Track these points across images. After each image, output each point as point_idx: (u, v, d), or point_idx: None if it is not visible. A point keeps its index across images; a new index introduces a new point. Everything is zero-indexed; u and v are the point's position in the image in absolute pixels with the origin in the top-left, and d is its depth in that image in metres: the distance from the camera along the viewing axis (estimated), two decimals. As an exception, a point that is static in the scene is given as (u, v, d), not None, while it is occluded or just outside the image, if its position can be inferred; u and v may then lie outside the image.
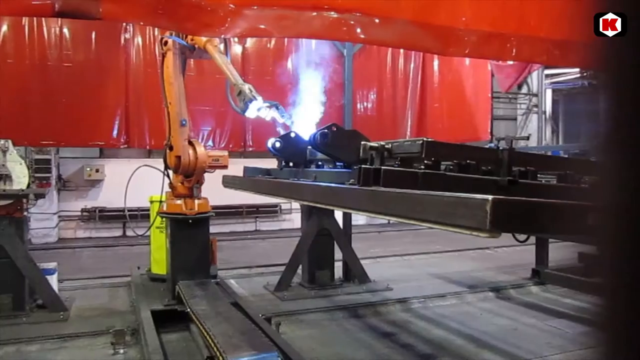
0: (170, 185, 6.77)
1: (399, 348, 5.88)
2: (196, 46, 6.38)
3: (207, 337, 4.61)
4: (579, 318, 6.63)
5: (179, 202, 6.61)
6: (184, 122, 6.47)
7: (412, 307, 7.32)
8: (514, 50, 2.00)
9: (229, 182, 6.05)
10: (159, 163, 6.90)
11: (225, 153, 6.90)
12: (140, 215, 12.62)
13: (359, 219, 12.79)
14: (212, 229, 7.03)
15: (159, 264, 7.71)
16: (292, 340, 5.53)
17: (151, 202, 8.06)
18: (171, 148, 6.53)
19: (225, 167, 6.81)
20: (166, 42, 6.50)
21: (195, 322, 5.25)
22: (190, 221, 6.55)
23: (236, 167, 6.62)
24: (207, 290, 6.20)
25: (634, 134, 0.67)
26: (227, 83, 5.74)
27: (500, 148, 3.47)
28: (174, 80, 6.49)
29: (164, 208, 6.76)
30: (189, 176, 6.55)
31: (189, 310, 5.55)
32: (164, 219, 6.98)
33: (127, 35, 8.57)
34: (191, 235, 6.62)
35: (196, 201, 6.63)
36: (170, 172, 6.72)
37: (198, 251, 6.70)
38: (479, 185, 2.90)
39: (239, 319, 5.18)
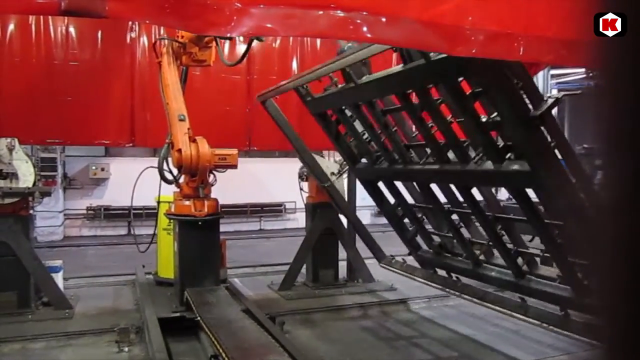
0: (178, 185, 6.62)
1: (403, 348, 5.88)
2: (187, 41, 6.73)
3: (220, 350, 4.37)
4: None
5: (187, 203, 6.33)
6: (181, 117, 6.38)
7: (416, 307, 7.31)
8: (521, 50, 2.00)
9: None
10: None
11: (235, 151, 6.59)
12: (145, 214, 12.68)
13: (363, 218, 12.77)
14: (217, 228, 6.99)
15: (166, 267, 7.47)
16: (295, 340, 5.54)
17: (158, 202, 7.74)
18: (173, 146, 6.38)
19: (234, 166, 6.53)
20: (161, 53, 6.81)
21: (206, 331, 4.98)
22: (199, 223, 6.27)
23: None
24: (218, 297, 5.91)
25: (634, 134, 0.67)
26: None
27: None
28: (169, 82, 6.60)
29: (172, 209, 6.50)
30: (193, 175, 6.33)
31: (199, 318, 5.30)
32: (171, 221, 6.76)
33: (133, 34, 8.59)
34: (200, 237, 6.31)
35: (205, 202, 6.35)
36: (175, 170, 6.57)
37: (208, 254, 6.39)
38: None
39: (253, 329, 4.92)
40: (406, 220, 6.21)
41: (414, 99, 4.55)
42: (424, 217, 5.91)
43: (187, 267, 6.32)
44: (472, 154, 4.31)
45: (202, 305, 5.57)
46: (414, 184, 5.78)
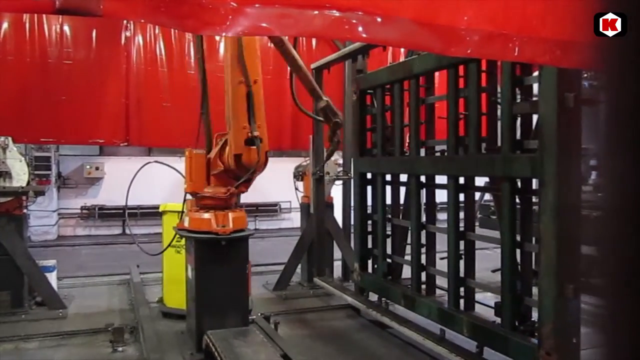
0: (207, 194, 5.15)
1: (398, 347, 5.88)
2: None
3: None
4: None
5: (207, 215, 4.93)
6: None
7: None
8: (516, 50, 2.00)
9: None
10: (163, 161, 6.80)
11: None
12: (140, 213, 12.65)
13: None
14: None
15: (175, 293, 6.21)
16: (290, 339, 5.53)
17: (163, 212, 6.58)
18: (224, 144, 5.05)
19: None
20: None
21: None
22: (223, 243, 4.90)
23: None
24: (251, 345, 4.56)
25: (634, 134, 0.67)
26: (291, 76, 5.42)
27: None
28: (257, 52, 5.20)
29: (186, 224, 5.11)
30: (246, 179, 5.04)
31: None
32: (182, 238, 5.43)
33: (128, 33, 8.57)
34: (224, 261, 4.96)
35: (230, 215, 4.99)
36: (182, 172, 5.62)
37: (233, 283, 5.02)
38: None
39: None
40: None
41: (461, 84, 4.88)
42: (389, 235, 6.26)
43: (206, 302, 4.96)
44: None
45: (232, 357, 4.26)
46: (407, 188, 5.96)
